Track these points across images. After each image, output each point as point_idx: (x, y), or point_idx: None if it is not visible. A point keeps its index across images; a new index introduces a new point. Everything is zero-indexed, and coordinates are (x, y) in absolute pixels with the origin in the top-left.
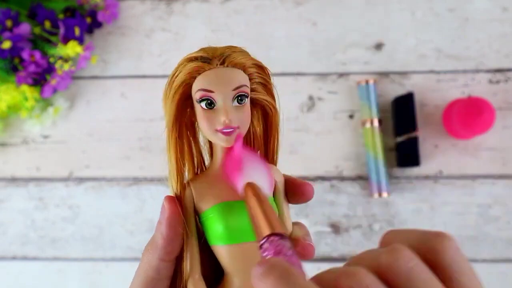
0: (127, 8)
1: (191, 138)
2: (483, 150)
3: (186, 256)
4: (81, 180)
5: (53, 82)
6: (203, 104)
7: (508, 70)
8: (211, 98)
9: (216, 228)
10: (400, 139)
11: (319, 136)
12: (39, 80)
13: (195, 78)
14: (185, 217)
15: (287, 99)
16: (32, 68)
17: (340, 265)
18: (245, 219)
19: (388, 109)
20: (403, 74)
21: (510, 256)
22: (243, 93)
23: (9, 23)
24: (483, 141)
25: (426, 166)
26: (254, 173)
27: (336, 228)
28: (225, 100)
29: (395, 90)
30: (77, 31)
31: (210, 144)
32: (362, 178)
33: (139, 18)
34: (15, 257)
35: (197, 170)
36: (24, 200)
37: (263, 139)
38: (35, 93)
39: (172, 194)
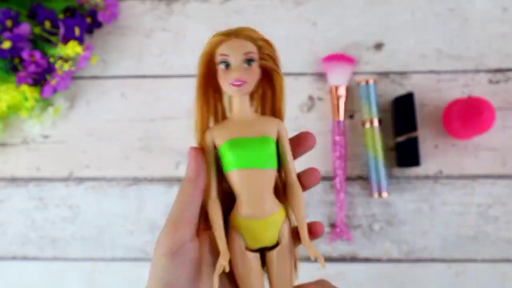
0: (127, 8)
1: (217, 97)
2: (483, 150)
3: (207, 182)
4: (81, 180)
5: (53, 82)
6: (222, 65)
7: (508, 70)
8: (227, 60)
9: (228, 157)
10: (400, 139)
11: (319, 136)
12: (39, 80)
13: (216, 48)
14: (205, 154)
15: (287, 99)
16: (32, 68)
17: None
18: (250, 150)
19: (388, 109)
20: (403, 74)
21: (510, 256)
22: (251, 58)
23: (9, 23)
24: (483, 141)
25: (426, 166)
26: None
27: (331, 228)
28: (237, 62)
29: (395, 90)
30: (77, 31)
31: (231, 101)
32: (362, 178)
33: (139, 18)
34: (15, 257)
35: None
36: (24, 200)
37: (272, 100)
38: (35, 93)
39: (196, 140)
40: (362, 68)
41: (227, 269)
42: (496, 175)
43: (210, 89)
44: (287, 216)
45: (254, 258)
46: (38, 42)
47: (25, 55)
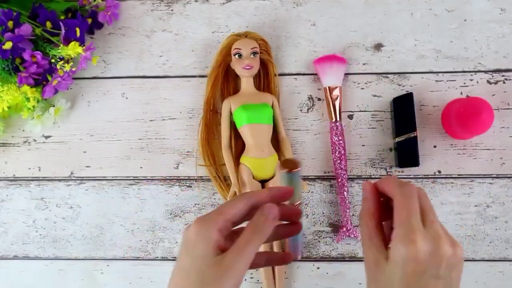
0: (127, 8)
1: (225, 78)
2: (481, 150)
3: (222, 136)
4: (82, 180)
5: (54, 82)
6: (236, 56)
7: (507, 70)
8: (240, 52)
9: (241, 116)
10: (399, 139)
11: (319, 136)
12: (40, 80)
13: (232, 44)
14: (223, 117)
15: (287, 99)
16: (33, 68)
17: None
18: (257, 111)
19: (387, 109)
20: (402, 74)
21: (508, 255)
22: (255, 51)
23: (10, 24)
24: (481, 141)
25: (425, 166)
26: None
27: (336, 228)
28: (247, 53)
29: (394, 90)
30: (78, 32)
31: (239, 81)
32: (362, 178)
33: (140, 18)
34: (16, 257)
35: (232, 93)
36: (26, 200)
37: (267, 81)
38: (36, 93)
39: (204, 104)
40: (361, 68)
41: (238, 193)
42: (495, 175)
43: (222, 71)
44: (279, 159)
45: (258, 185)
46: (39, 43)
47: (26, 55)
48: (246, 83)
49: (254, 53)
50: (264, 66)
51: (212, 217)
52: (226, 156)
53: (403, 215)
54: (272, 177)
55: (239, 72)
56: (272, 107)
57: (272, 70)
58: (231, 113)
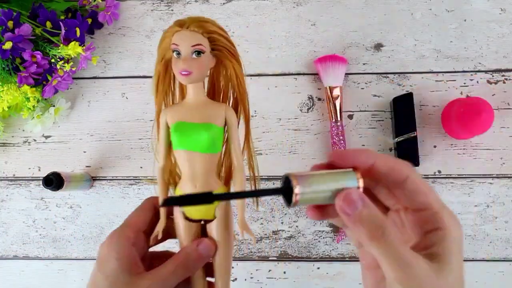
0: (127, 8)
1: (172, 82)
2: (481, 150)
3: (157, 155)
4: None
5: (54, 82)
6: (174, 53)
7: (507, 70)
8: (177, 49)
9: (174, 138)
10: (399, 139)
11: (319, 136)
12: (41, 80)
13: (172, 36)
14: (160, 130)
15: (287, 99)
16: (33, 68)
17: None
18: (192, 134)
19: (387, 109)
20: (402, 74)
21: (508, 255)
22: (199, 50)
23: (10, 24)
24: (481, 141)
25: (425, 166)
26: None
27: (336, 228)
28: (186, 52)
29: (394, 90)
30: (78, 32)
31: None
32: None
33: (140, 18)
34: (17, 257)
35: (172, 102)
36: (26, 200)
37: (230, 88)
38: (37, 93)
39: (155, 116)
40: (361, 68)
41: (160, 236)
42: (495, 175)
43: (168, 73)
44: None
45: (192, 226)
46: (40, 43)
47: (26, 55)
48: (191, 90)
49: (197, 52)
50: (224, 65)
51: (121, 231)
52: (159, 182)
53: (435, 197)
54: (214, 218)
55: (177, 76)
56: (226, 125)
57: (234, 71)
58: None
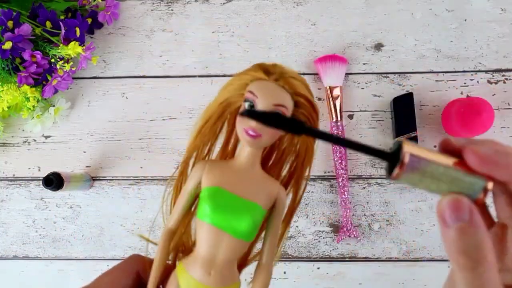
0: (127, 8)
1: (229, 128)
2: None
3: (172, 214)
4: None
5: (54, 82)
6: (246, 104)
7: (507, 70)
8: (253, 101)
9: (205, 206)
10: (399, 139)
11: None
12: (40, 80)
13: (252, 82)
14: (187, 185)
15: None
16: (33, 68)
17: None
18: (230, 212)
19: (387, 109)
20: (402, 74)
21: None
22: (280, 112)
23: (10, 24)
24: None
25: None
26: None
27: (336, 228)
28: (263, 109)
29: (395, 90)
30: (78, 31)
31: (237, 141)
32: (361, 178)
33: (140, 18)
34: (16, 257)
35: (207, 155)
36: (25, 200)
37: (295, 162)
38: (36, 93)
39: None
40: (361, 68)
41: None
42: None
43: (224, 117)
44: None
45: None
46: (39, 43)
47: (26, 55)
48: (247, 153)
49: None
50: (300, 141)
51: None
52: (160, 245)
53: None
54: None
55: (239, 132)
56: (272, 209)
57: (308, 150)
58: (200, 184)
